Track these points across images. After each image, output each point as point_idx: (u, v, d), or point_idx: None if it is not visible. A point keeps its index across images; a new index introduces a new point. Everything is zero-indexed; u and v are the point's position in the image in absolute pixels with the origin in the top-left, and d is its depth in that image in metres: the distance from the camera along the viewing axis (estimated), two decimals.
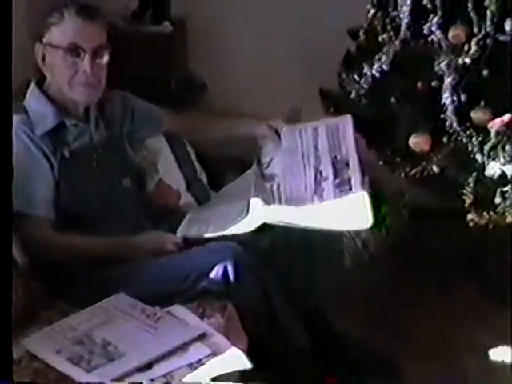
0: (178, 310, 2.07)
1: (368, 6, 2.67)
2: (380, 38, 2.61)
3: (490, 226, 2.50)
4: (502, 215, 2.46)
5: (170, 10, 3.06)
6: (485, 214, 2.47)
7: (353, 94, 2.64)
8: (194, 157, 2.64)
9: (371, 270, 3.00)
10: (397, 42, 2.53)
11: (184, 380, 1.78)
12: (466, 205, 2.50)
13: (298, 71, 3.04)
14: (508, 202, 2.44)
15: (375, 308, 2.84)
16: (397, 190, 3.12)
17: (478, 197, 2.45)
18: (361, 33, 2.70)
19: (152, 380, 1.78)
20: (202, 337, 1.93)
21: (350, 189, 2.27)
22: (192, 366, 1.82)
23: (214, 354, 1.86)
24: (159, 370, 1.82)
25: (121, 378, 1.79)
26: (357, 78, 2.66)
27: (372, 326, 2.69)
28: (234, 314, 2.09)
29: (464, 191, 2.49)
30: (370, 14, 2.66)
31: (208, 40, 3.10)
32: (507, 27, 2.35)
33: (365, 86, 2.59)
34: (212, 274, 2.09)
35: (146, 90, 2.55)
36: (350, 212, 2.20)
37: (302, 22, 3.00)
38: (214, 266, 2.09)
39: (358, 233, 3.01)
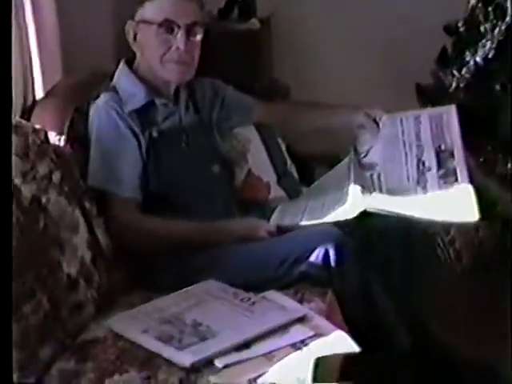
0: (273, 294, 1.93)
1: None
2: (482, 28, 2.48)
3: None
4: None
5: (256, 8, 2.98)
6: None
7: (452, 88, 2.50)
8: (284, 149, 2.52)
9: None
10: (503, 27, 2.38)
11: (287, 360, 1.63)
12: None
13: (391, 71, 2.89)
14: None
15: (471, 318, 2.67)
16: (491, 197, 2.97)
17: None
18: (460, 24, 2.57)
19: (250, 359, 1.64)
20: (302, 319, 1.78)
21: (456, 180, 2.12)
22: (296, 347, 1.67)
23: (316, 335, 1.71)
24: (259, 349, 1.67)
25: (216, 356, 1.65)
26: (455, 72, 2.53)
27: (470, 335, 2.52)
28: (334, 302, 1.94)
29: None
30: (470, 5, 2.55)
31: (293, 40, 3.01)
32: None
33: (467, 75, 2.44)
34: (312, 258, 1.95)
35: None
36: (455, 204, 2.06)
37: (394, 21, 2.89)
38: (313, 250, 1.95)
39: (452, 243, 2.87)
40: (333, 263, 1.93)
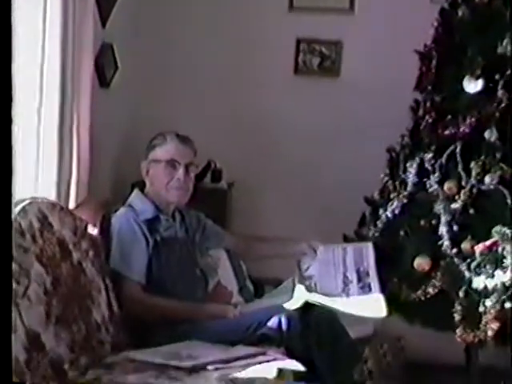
0: (241, 348, 2.69)
1: (382, 175, 3.57)
2: (392, 195, 3.47)
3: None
4: (485, 327, 3.15)
5: (222, 176, 3.95)
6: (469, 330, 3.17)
7: (369, 235, 3.43)
8: (245, 269, 3.37)
9: None
10: (405, 193, 3.38)
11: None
12: (456, 321, 3.20)
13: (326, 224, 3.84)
14: (489, 316, 3.14)
15: None
16: (396, 334, 3.83)
17: (466, 310, 3.16)
18: (375, 194, 3.56)
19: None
20: (264, 353, 2.55)
21: (370, 290, 3.00)
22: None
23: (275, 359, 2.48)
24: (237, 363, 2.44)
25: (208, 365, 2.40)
26: (372, 226, 3.48)
27: None
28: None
29: (454, 309, 3.20)
30: (384, 180, 3.55)
31: (251, 200, 4.00)
32: (487, 181, 3.23)
33: (380, 226, 3.39)
34: (269, 323, 2.74)
35: None
36: (370, 305, 2.92)
37: (330, 188, 3.93)
38: (270, 319, 2.75)
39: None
40: (284, 328, 2.73)
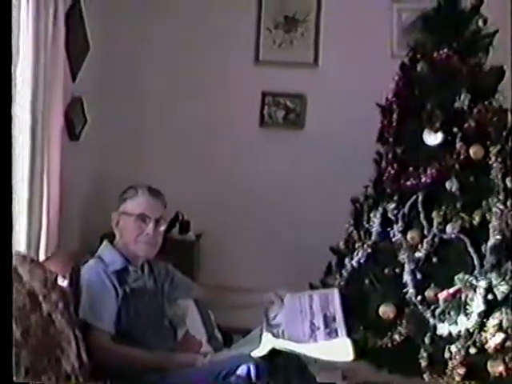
0: None
1: (346, 225, 3.66)
2: (356, 245, 3.55)
3: None
4: (452, 372, 3.21)
5: (190, 227, 4.00)
6: (436, 376, 3.23)
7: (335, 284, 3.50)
8: (213, 318, 3.40)
9: None
10: (369, 243, 3.46)
11: None
12: (423, 367, 3.27)
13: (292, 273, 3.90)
14: (455, 361, 3.21)
15: None
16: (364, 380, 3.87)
17: (432, 356, 3.22)
18: (341, 244, 3.64)
19: None
20: None
21: (337, 335, 3.03)
22: None
23: None
24: None
25: None
26: (337, 275, 3.55)
27: None
28: None
29: (420, 355, 3.27)
30: (348, 230, 3.63)
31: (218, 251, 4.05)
32: (448, 230, 3.33)
33: (345, 274, 3.46)
34: (238, 372, 2.76)
35: None
36: (336, 349, 2.96)
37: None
38: (239, 366, 2.78)
39: None
40: (253, 377, 2.76)
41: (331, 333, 3.07)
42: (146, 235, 3.08)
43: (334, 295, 3.23)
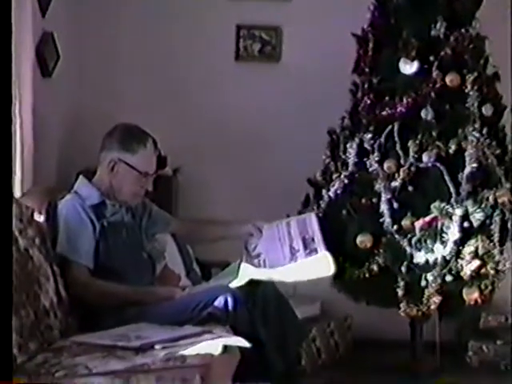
0: (188, 327, 2.74)
1: (323, 156, 3.65)
2: (333, 176, 3.55)
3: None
4: (428, 301, 3.26)
5: (167, 162, 3.98)
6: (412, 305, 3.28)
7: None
8: (191, 252, 3.42)
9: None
10: (346, 174, 3.46)
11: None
12: (399, 296, 3.31)
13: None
14: (431, 289, 3.26)
15: None
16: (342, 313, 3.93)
17: (409, 285, 3.26)
18: (318, 175, 3.64)
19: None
20: (210, 331, 2.61)
21: (317, 253, 3.05)
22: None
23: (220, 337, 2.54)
24: (184, 342, 2.50)
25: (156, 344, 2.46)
26: (315, 207, 3.56)
27: None
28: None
29: (397, 284, 3.31)
30: (325, 161, 3.63)
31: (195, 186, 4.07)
32: (424, 159, 3.34)
33: (322, 206, 3.47)
34: (215, 303, 2.79)
35: None
36: (316, 264, 2.99)
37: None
38: (216, 298, 2.80)
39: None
40: (230, 308, 2.79)
41: (311, 252, 3.06)
42: (144, 190, 3.09)
43: (312, 218, 3.24)
